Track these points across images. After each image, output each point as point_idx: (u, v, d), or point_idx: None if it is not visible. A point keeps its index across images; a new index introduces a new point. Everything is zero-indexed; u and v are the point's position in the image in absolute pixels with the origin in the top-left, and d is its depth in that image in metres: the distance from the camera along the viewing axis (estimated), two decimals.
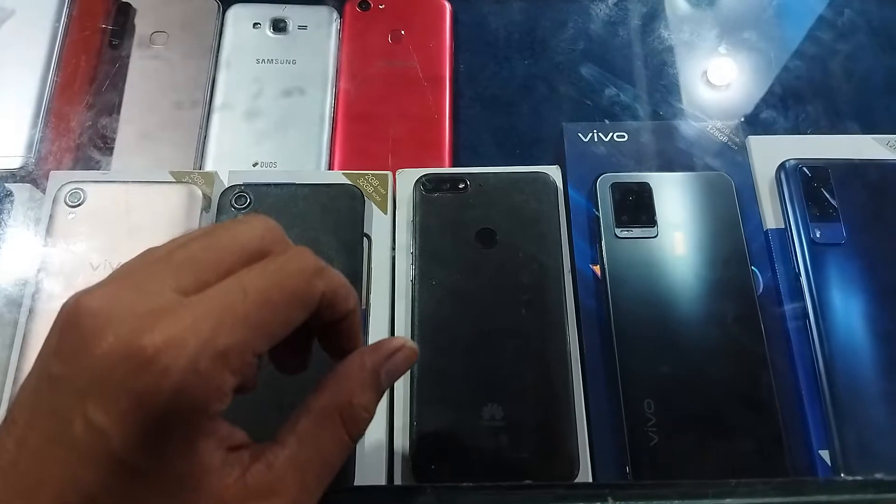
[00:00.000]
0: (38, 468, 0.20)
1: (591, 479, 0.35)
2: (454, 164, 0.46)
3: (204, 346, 0.20)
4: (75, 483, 0.20)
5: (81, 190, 0.38)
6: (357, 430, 0.24)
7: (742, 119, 0.44)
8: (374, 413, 0.25)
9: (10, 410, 0.22)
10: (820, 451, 0.35)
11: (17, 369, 0.35)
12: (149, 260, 0.22)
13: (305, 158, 0.45)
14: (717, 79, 0.48)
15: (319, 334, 0.26)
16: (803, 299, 0.38)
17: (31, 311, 0.36)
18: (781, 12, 0.51)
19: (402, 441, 0.35)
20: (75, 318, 0.20)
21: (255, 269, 0.22)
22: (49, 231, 0.37)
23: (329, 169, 0.45)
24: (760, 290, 0.39)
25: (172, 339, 0.20)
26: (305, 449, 0.23)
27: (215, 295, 0.21)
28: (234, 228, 0.23)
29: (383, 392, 0.26)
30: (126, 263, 0.23)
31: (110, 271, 0.35)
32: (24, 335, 0.35)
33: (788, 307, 0.38)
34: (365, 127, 0.47)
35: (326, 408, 0.24)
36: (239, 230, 0.23)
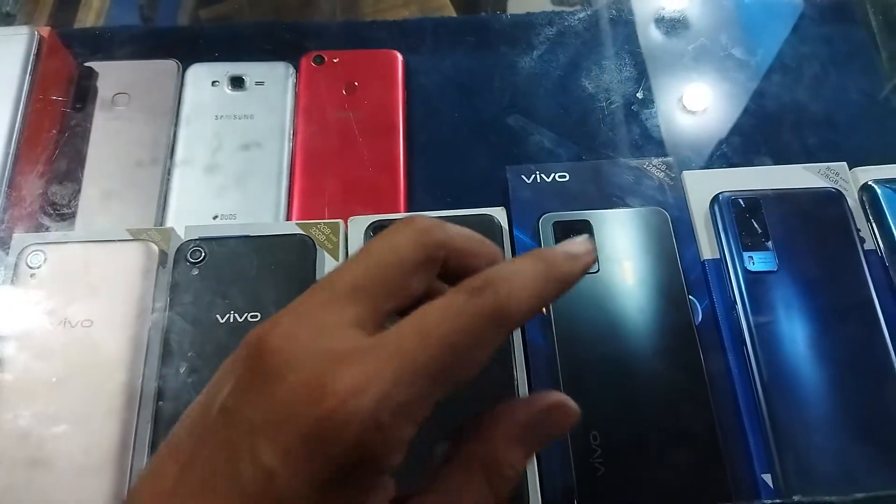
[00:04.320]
0: (198, 498, 0.20)
1: None
2: (409, 209, 0.48)
3: (385, 398, 0.19)
4: None
5: (42, 251, 0.40)
6: (503, 487, 0.22)
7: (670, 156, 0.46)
8: (522, 471, 0.23)
9: (175, 433, 0.21)
10: (762, 475, 0.36)
11: None
12: (319, 292, 0.22)
13: (264, 209, 0.47)
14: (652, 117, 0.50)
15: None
16: (740, 326, 0.39)
17: None
18: (702, 54, 0.53)
19: None
20: (256, 354, 0.20)
21: (436, 308, 0.21)
22: (10, 293, 0.39)
23: (287, 218, 0.47)
24: (700, 319, 0.40)
25: (353, 388, 0.19)
26: (452, 501, 0.22)
27: (394, 340, 0.20)
28: (389, 240, 0.23)
29: (533, 451, 0.23)
30: (302, 296, 0.22)
31: (69, 331, 0.37)
32: None
33: (726, 334, 0.40)
34: (322, 177, 0.49)
35: (471, 459, 0.22)
36: (394, 241, 0.23)
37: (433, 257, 0.23)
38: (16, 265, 0.39)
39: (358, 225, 0.42)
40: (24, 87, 0.48)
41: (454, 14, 0.74)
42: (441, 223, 0.24)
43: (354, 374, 0.19)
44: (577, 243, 0.25)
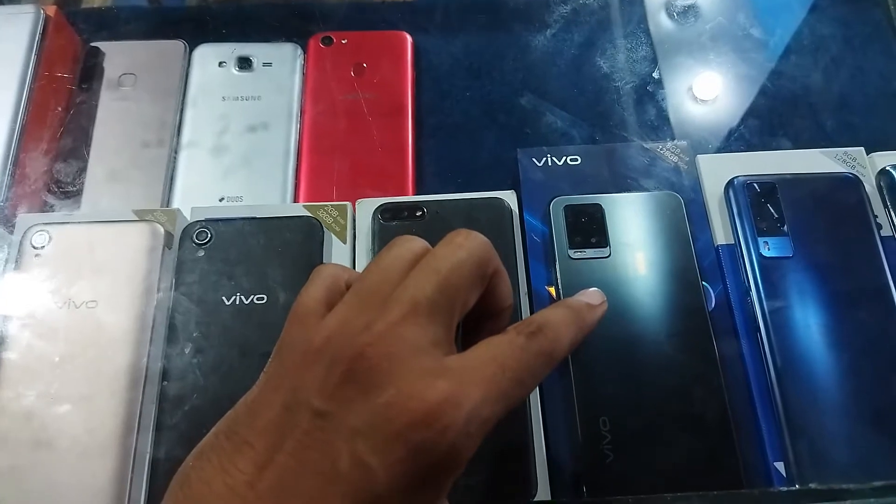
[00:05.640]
0: (288, 492, 0.22)
1: (549, 499, 0.35)
2: (418, 192, 0.47)
3: (475, 414, 0.22)
4: None
5: (46, 231, 0.39)
6: None
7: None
8: None
9: (233, 431, 0.23)
10: (775, 463, 0.36)
11: None
12: (396, 306, 0.24)
13: (271, 191, 0.47)
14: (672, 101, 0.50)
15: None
16: (754, 313, 0.38)
17: None
18: (716, 35, 0.52)
19: None
20: (355, 367, 0.23)
21: (505, 344, 0.25)
22: (15, 274, 0.38)
23: (294, 201, 0.46)
24: (713, 305, 0.39)
25: (449, 402, 0.22)
26: None
27: (476, 365, 0.24)
28: (454, 256, 0.25)
29: None
30: (367, 299, 0.25)
31: (74, 311, 0.37)
32: None
33: (740, 321, 0.39)
34: (329, 158, 0.48)
35: None
36: (459, 258, 0.25)
37: (486, 277, 0.27)
38: (20, 245, 0.39)
39: (366, 207, 0.42)
40: (30, 67, 0.47)
41: None
42: (490, 244, 0.27)
43: (447, 390, 0.22)
44: (592, 294, 0.30)
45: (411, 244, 0.27)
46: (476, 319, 0.28)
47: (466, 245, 0.26)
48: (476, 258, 0.26)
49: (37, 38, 0.49)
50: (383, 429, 0.22)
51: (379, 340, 0.23)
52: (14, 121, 0.46)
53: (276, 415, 0.23)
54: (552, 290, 0.40)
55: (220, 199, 0.46)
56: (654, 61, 0.51)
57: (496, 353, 0.24)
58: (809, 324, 0.38)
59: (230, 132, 0.48)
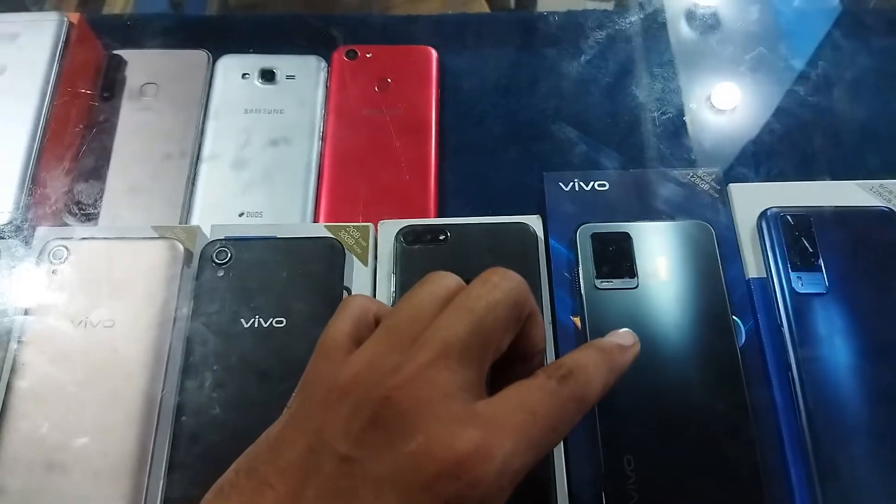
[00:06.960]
0: None
1: None
2: (440, 213, 0.46)
3: (507, 465, 0.21)
4: None
5: (65, 247, 0.39)
6: None
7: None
8: None
9: (254, 469, 0.23)
10: None
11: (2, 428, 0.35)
12: (426, 349, 0.23)
13: (291, 208, 0.46)
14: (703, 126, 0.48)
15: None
16: (786, 351, 0.37)
17: (13, 369, 0.36)
18: (759, 65, 0.51)
19: None
20: (383, 413, 0.22)
21: (535, 389, 0.24)
22: (33, 288, 0.38)
23: (315, 217, 0.46)
24: (743, 340, 0.38)
25: (481, 454, 0.21)
26: None
27: (507, 412, 0.23)
28: (489, 296, 0.24)
29: None
30: (394, 340, 0.24)
31: (90, 330, 0.36)
32: (6, 392, 0.35)
33: (771, 358, 0.38)
34: (351, 176, 0.47)
35: None
36: (495, 299, 0.24)
37: (521, 319, 0.26)
38: (38, 260, 0.39)
39: (388, 229, 0.41)
40: (52, 74, 0.47)
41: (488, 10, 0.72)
42: (527, 285, 0.26)
43: (477, 439, 0.21)
44: (623, 335, 0.28)
45: (445, 281, 0.26)
46: (506, 362, 0.27)
47: (503, 285, 0.25)
48: (512, 299, 0.25)
49: (60, 45, 0.48)
50: (410, 479, 0.21)
51: (407, 384, 0.22)
52: (35, 128, 0.45)
53: (298, 456, 0.22)
54: (577, 320, 0.39)
55: (240, 215, 0.45)
56: (688, 89, 0.50)
57: (526, 398, 0.23)
58: (843, 365, 0.37)
59: (252, 146, 0.48)
